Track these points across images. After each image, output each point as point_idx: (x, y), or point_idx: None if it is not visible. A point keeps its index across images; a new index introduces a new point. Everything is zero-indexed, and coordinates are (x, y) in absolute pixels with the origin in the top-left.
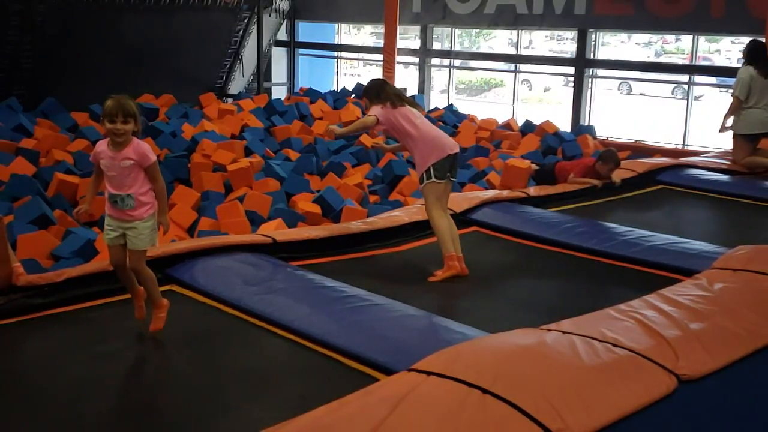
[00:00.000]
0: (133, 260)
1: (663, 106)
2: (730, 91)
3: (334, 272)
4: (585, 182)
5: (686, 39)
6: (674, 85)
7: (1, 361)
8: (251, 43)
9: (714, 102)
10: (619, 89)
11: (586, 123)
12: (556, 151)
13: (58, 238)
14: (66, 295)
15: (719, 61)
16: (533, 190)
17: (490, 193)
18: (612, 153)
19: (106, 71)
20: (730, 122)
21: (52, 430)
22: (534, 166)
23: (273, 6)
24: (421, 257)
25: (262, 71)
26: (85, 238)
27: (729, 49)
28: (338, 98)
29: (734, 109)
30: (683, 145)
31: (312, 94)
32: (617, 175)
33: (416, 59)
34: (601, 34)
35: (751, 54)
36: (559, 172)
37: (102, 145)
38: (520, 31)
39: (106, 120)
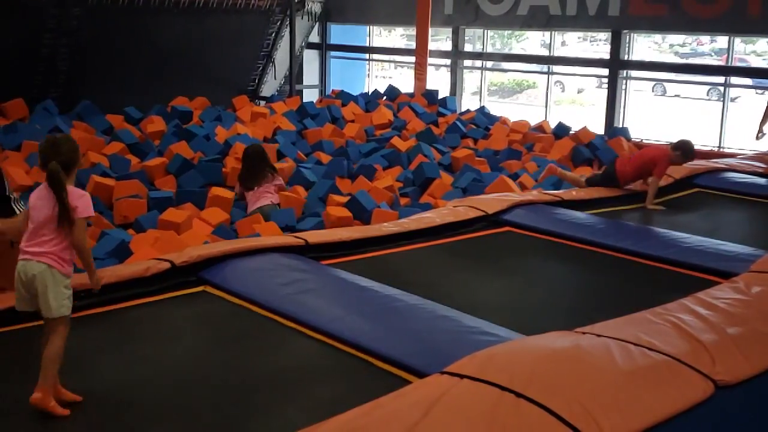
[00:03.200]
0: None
1: (698, 108)
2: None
3: (367, 270)
4: (650, 198)
5: (722, 40)
6: (709, 86)
7: (36, 363)
8: (283, 45)
9: (750, 104)
10: (653, 90)
11: (620, 125)
12: (592, 161)
13: (93, 239)
14: (101, 298)
15: (756, 62)
16: (566, 194)
17: (523, 195)
18: (687, 141)
19: (140, 74)
20: (766, 128)
21: (86, 430)
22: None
23: (305, 9)
24: (454, 253)
25: (294, 74)
26: (119, 239)
27: (765, 50)
28: (370, 100)
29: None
30: (719, 147)
31: (344, 97)
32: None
33: (448, 61)
34: (635, 35)
35: None
36: (621, 173)
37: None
38: (552, 32)
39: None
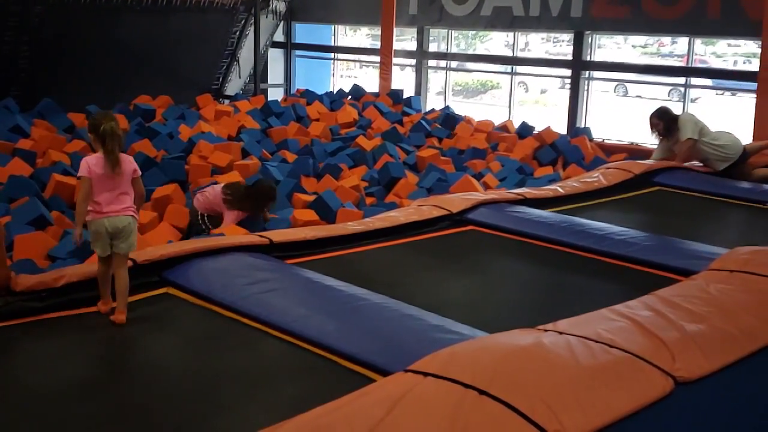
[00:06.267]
0: None
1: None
2: (727, 93)
3: (331, 269)
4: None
5: (682, 41)
6: (670, 87)
7: None
8: (248, 44)
9: (710, 104)
10: (615, 91)
11: (583, 125)
12: (556, 160)
13: (55, 238)
14: (63, 299)
15: (716, 63)
16: (528, 192)
17: (487, 194)
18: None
19: (102, 72)
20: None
21: (48, 430)
22: None
23: (270, 7)
24: (419, 252)
25: (259, 72)
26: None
27: (725, 52)
28: (335, 99)
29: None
30: None
31: (309, 96)
32: None
33: (413, 61)
34: (597, 36)
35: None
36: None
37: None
38: (516, 33)
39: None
